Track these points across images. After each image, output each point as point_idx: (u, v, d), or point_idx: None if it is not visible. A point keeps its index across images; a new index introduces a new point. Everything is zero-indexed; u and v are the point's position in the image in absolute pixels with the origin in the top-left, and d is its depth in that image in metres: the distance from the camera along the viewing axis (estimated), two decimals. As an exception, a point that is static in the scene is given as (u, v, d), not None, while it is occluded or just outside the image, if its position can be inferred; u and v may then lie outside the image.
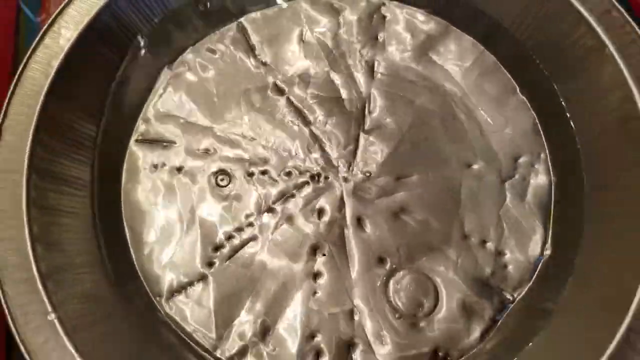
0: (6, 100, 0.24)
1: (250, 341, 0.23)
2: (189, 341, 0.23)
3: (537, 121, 0.27)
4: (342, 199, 0.25)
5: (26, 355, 0.20)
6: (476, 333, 0.23)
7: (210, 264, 0.24)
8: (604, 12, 0.24)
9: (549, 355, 0.21)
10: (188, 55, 0.28)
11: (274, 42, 0.28)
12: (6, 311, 0.20)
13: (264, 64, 0.27)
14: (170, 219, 0.25)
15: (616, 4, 0.24)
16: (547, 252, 0.24)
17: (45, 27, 0.25)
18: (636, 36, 0.24)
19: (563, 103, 0.26)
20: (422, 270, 0.24)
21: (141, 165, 0.26)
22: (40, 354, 0.20)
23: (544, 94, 0.26)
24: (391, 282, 0.23)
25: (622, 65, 0.23)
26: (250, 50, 0.28)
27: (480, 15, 0.27)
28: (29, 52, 0.24)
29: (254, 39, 0.28)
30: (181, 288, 0.24)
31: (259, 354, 0.23)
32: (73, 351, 0.20)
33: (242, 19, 0.28)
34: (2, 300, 0.20)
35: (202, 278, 0.24)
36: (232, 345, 0.23)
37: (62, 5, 0.25)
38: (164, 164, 0.26)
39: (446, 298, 0.23)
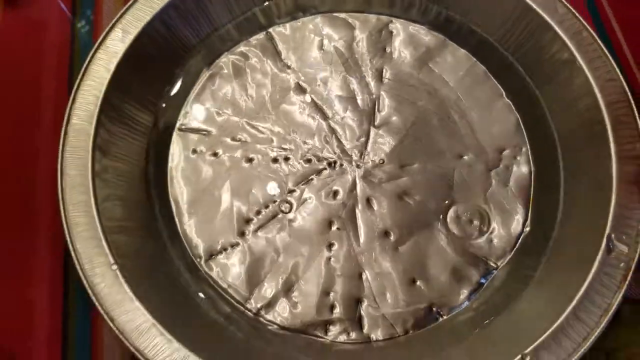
0: (73, 90, 0.28)
1: (276, 296, 0.27)
2: (224, 295, 0.27)
3: (520, 121, 0.31)
4: (354, 182, 0.30)
5: (93, 298, 0.24)
6: (464, 293, 0.27)
7: (242, 234, 0.28)
8: (576, 32, 0.29)
9: (527, 309, 0.25)
10: (223, 59, 0.32)
11: (298, 49, 0.32)
12: (76, 263, 0.24)
13: (289, 67, 0.32)
14: (208, 195, 0.29)
15: (587, 26, 0.29)
16: (527, 229, 0.29)
17: (107, 30, 0.29)
18: (602, 53, 0.29)
19: (543, 106, 0.30)
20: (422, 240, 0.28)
21: (183, 150, 0.30)
22: (105, 297, 0.24)
23: (526, 98, 0.31)
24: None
25: (589, 76, 0.28)
26: (277, 55, 0.33)
27: (473, 31, 0.32)
28: (92, 51, 0.29)
29: (281, 46, 0.33)
30: (217, 252, 0.28)
31: (283, 307, 0.27)
32: (132, 295, 0.24)
33: (270, 30, 0.33)
34: (73, 254, 0.25)
35: (236, 244, 0.28)
36: (261, 298, 0.27)
37: (120, 13, 0.30)
38: (202, 150, 0.30)
39: (442, 263, 0.28)
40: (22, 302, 0.29)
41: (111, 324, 0.23)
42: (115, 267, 0.24)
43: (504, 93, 0.32)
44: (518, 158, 0.30)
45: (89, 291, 0.24)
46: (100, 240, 0.25)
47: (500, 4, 0.31)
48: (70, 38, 0.36)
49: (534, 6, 0.29)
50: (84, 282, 0.24)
